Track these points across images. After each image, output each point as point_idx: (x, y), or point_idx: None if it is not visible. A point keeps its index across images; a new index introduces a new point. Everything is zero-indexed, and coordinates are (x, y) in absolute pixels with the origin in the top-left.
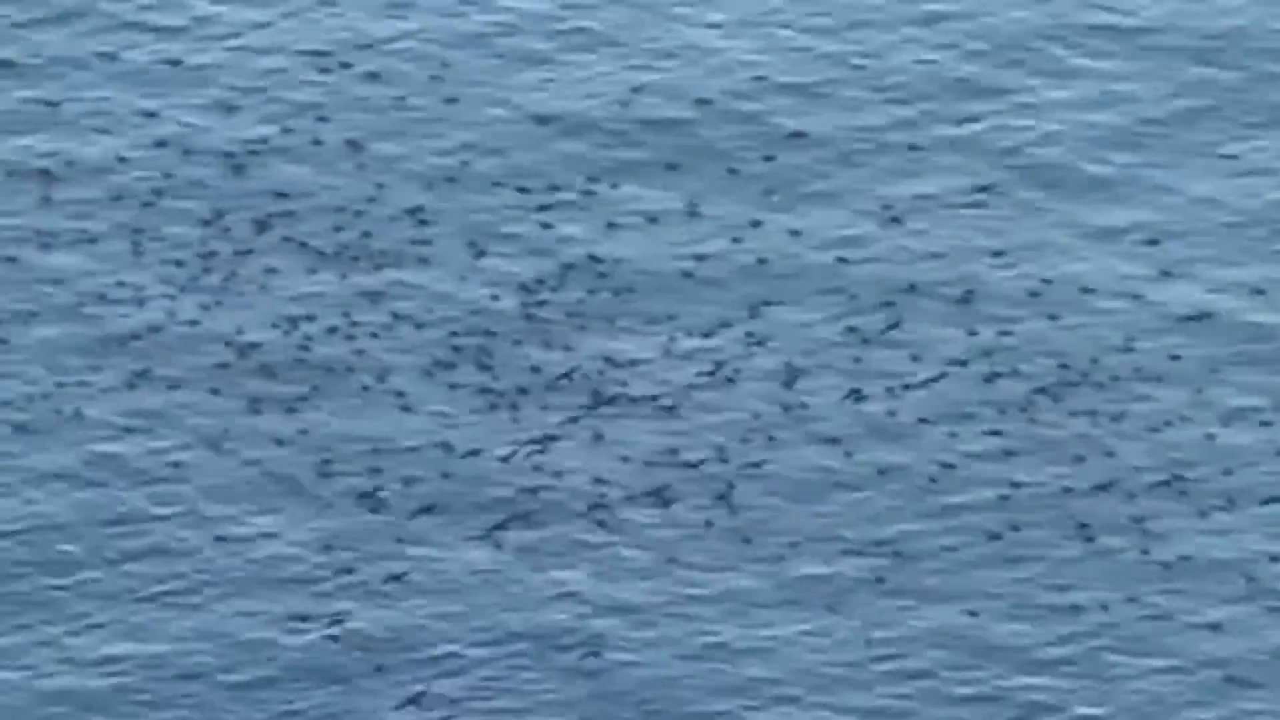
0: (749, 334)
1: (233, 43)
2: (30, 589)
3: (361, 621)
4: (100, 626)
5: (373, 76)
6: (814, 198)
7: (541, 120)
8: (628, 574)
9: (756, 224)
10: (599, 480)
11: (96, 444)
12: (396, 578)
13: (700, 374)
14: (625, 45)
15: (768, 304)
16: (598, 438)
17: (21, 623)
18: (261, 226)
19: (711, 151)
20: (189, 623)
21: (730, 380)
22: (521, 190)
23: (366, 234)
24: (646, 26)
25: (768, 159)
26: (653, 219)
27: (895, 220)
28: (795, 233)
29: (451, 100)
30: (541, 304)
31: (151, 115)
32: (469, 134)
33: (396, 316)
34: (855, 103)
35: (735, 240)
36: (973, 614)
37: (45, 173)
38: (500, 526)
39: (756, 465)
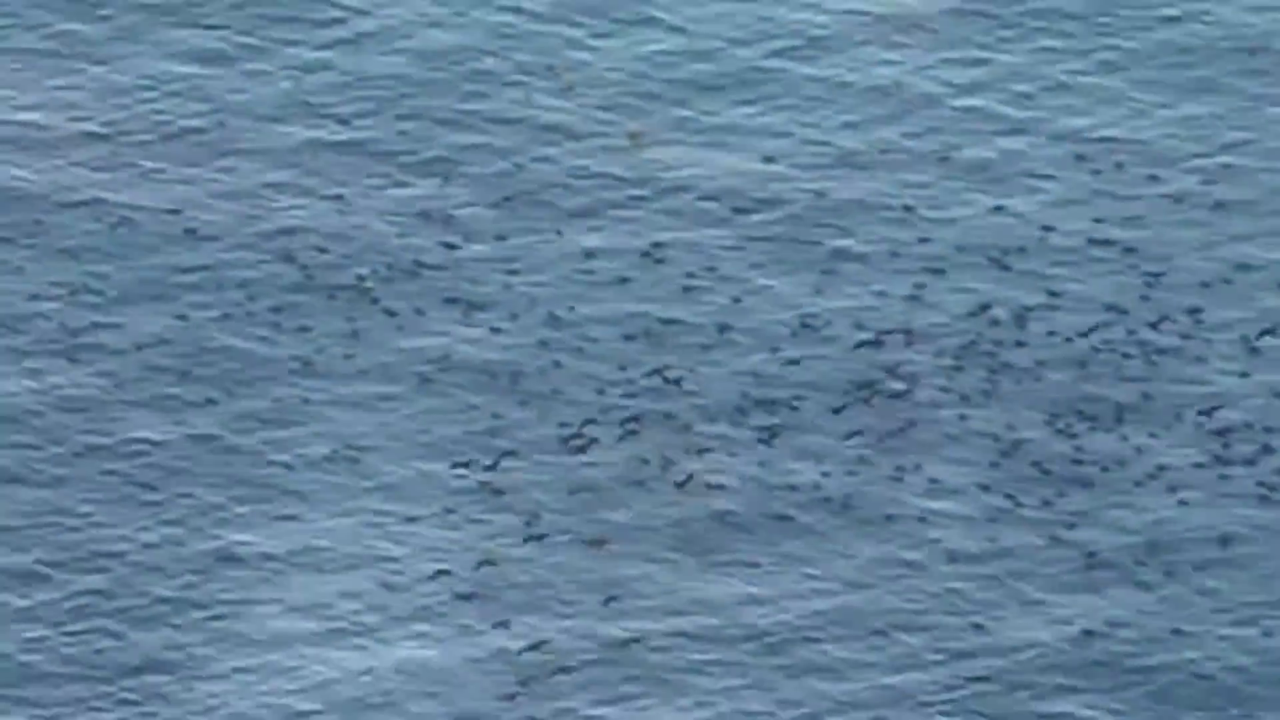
0: None
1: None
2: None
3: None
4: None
5: (1153, 180)
6: None
7: None
8: None
9: None
10: None
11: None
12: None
13: None
14: None
15: None
16: None
17: None
18: (1021, 321)
19: None
20: None
21: None
22: None
23: (1131, 332)
24: None
25: None
26: None
27: None
28: None
29: (1223, 206)
30: None
31: (908, 209)
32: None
33: (1178, 416)
34: None
35: None
36: None
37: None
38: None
39: None
